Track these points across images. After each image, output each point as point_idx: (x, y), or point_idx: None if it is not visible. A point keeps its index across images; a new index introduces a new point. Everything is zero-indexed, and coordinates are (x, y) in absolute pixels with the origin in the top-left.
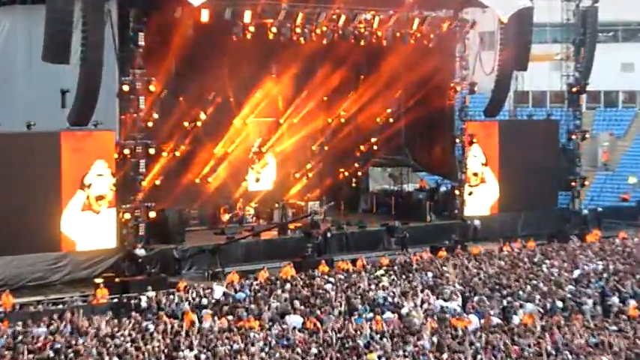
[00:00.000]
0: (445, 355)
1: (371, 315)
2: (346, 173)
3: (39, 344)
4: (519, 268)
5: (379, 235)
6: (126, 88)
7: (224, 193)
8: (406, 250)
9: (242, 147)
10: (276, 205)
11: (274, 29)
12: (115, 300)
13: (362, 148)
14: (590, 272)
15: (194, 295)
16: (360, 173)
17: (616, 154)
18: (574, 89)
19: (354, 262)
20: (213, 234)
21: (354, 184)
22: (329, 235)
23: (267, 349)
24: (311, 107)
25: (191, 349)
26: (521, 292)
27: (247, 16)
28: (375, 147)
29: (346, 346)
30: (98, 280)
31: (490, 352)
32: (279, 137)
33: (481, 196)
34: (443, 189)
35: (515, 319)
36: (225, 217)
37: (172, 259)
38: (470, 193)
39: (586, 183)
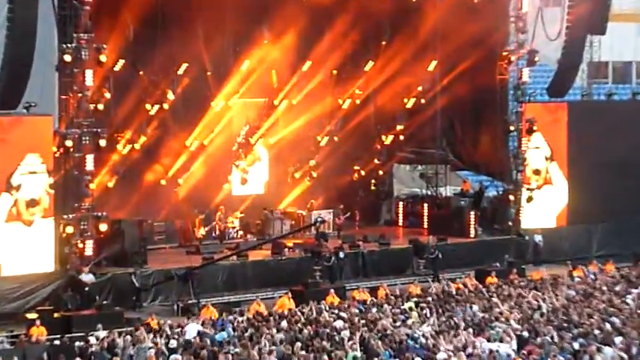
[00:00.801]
0: None
1: None
2: (363, 172)
3: None
4: (595, 300)
5: (407, 256)
6: (67, 58)
7: (199, 199)
8: (436, 277)
9: (223, 137)
10: (269, 214)
11: None
12: (55, 342)
13: (384, 138)
14: None
15: (160, 335)
16: (381, 172)
17: None
18: None
19: (373, 291)
20: (184, 253)
21: (373, 187)
22: (341, 255)
23: None
24: (316, 84)
25: None
26: (597, 332)
27: None
28: (401, 137)
29: None
30: (31, 316)
31: None
32: (272, 124)
33: (544, 203)
34: (492, 193)
35: None
36: (201, 231)
37: (131, 288)
38: (529, 199)
39: None
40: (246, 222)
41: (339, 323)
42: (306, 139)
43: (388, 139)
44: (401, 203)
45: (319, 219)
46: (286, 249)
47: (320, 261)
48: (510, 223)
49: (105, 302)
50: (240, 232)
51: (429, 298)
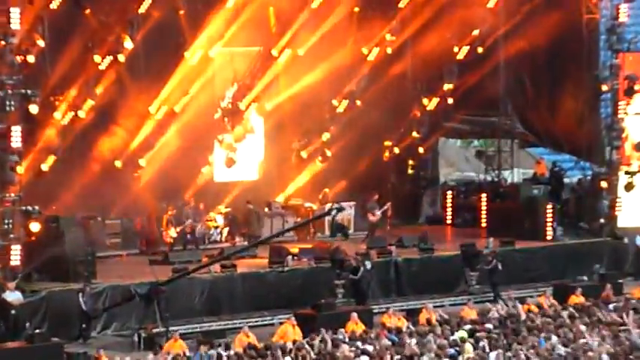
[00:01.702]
0: None
1: None
2: (396, 150)
3: None
4: None
5: (457, 266)
6: None
7: (169, 187)
8: (496, 295)
9: (202, 101)
10: (265, 210)
11: None
12: None
13: (425, 102)
14: None
15: None
16: (421, 150)
17: None
18: None
19: (411, 315)
20: (148, 263)
21: (410, 171)
22: (367, 265)
23: None
24: (330, 26)
25: None
26: None
27: None
28: (449, 100)
29: None
30: None
31: None
32: (270, 83)
33: None
34: (577, 178)
35: None
36: (172, 232)
37: (74, 311)
38: (629, 186)
39: None
40: (233, 219)
41: None
42: (316, 104)
43: (432, 104)
44: (449, 193)
45: (335, 207)
46: (289, 257)
47: (342, 273)
48: (602, 221)
49: (38, 331)
50: (226, 234)
51: (489, 326)
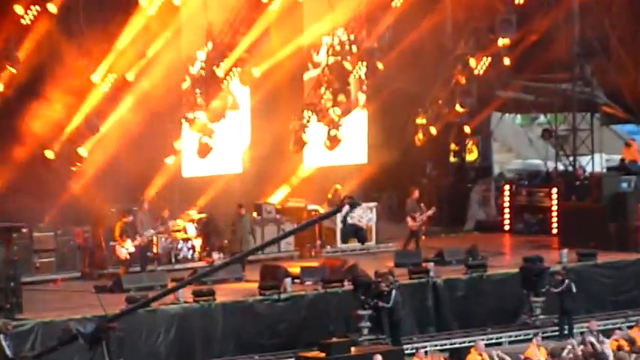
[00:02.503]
0: None
1: None
2: (433, 130)
3: None
4: None
5: (519, 289)
6: None
7: (120, 185)
8: (569, 329)
9: (164, 66)
10: (255, 214)
11: None
12: None
13: (471, 63)
14: None
15: None
16: (467, 129)
17: None
18: None
19: (456, 356)
20: (94, 291)
21: (453, 158)
22: (393, 287)
23: None
24: None
25: None
26: None
27: None
28: (505, 60)
29: None
30: None
31: None
32: (259, 39)
33: None
34: None
35: None
36: (128, 245)
37: None
38: None
39: None
40: (210, 229)
41: None
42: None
43: (481, 66)
44: (507, 188)
45: (348, 201)
46: (288, 279)
47: (369, 300)
48: None
49: None
50: (199, 249)
51: None
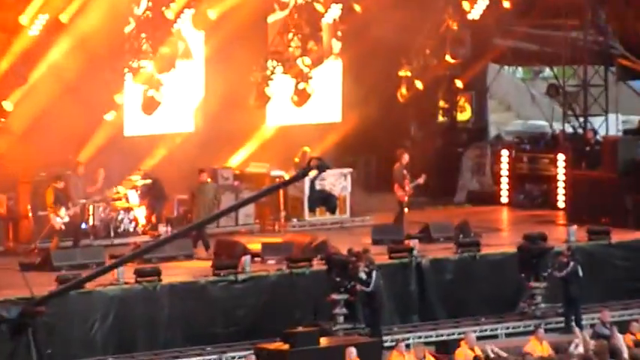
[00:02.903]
0: None
1: None
2: (418, 83)
3: None
4: None
5: (514, 274)
6: None
7: (51, 145)
8: (576, 319)
9: (104, 6)
10: (208, 180)
11: None
12: None
13: (465, 5)
14: None
15: None
16: (459, 84)
17: None
18: None
19: (443, 350)
20: (18, 269)
21: (441, 117)
22: (373, 268)
23: None
24: None
25: None
26: None
27: None
28: (503, 3)
29: None
30: None
31: None
32: None
33: None
34: None
35: None
36: (62, 213)
37: None
38: None
39: None
40: (156, 194)
41: None
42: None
43: (475, 9)
44: (505, 154)
45: (315, 163)
46: (247, 257)
47: (345, 282)
48: None
49: None
50: (143, 220)
51: None
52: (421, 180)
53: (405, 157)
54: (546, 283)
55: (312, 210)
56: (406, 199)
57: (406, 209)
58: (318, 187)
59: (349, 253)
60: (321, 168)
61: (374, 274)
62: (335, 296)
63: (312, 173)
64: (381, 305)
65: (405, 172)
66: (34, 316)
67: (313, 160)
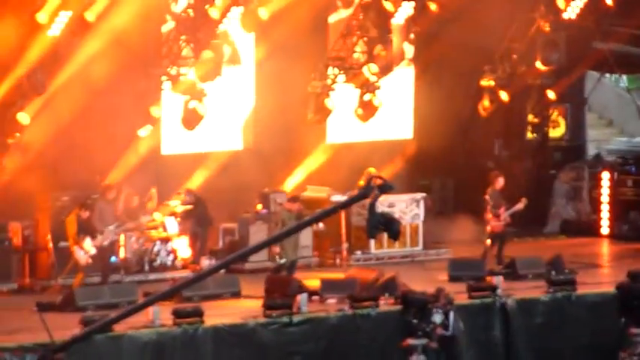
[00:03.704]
0: None
1: None
2: (503, 95)
3: None
4: None
5: (613, 320)
6: None
7: (74, 164)
8: None
9: (137, 7)
10: (259, 207)
11: None
12: None
13: (559, 3)
14: None
15: None
16: (552, 95)
17: None
18: None
19: None
20: (35, 308)
21: (531, 134)
22: (451, 308)
23: None
24: None
25: None
26: None
27: None
28: None
29: None
30: None
31: None
32: None
33: None
34: None
35: None
36: (87, 245)
37: None
38: None
39: None
40: (197, 223)
41: None
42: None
43: (572, 6)
44: (606, 176)
45: (378, 183)
46: (303, 295)
47: (424, 324)
48: None
49: None
50: (183, 251)
51: None
52: (521, 205)
53: (500, 181)
54: None
55: (372, 236)
56: (500, 229)
57: (488, 242)
58: (380, 208)
59: (435, 292)
60: (384, 189)
61: (451, 315)
62: (411, 341)
63: (373, 194)
64: (460, 352)
65: (501, 197)
66: None
67: (375, 179)
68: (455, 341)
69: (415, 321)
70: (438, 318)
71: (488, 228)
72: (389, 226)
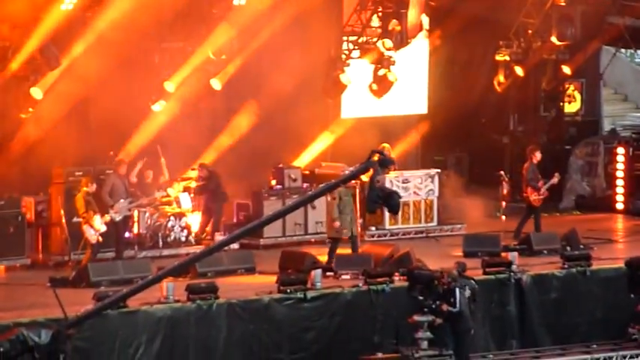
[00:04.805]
0: None
1: None
2: (518, 70)
3: None
4: None
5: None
6: None
7: (90, 138)
8: None
9: None
10: (273, 182)
11: None
12: None
13: None
14: None
15: None
16: (567, 70)
17: None
18: None
19: None
20: (48, 283)
21: (545, 110)
22: (456, 285)
23: None
24: None
25: None
26: None
27: None
28: None
29: None
30: None
31: None
32: None
33: None
34: None
35: None
36: (97, 222)
37: None
38: None
39: None
40: (213, 191)
41: None
42: None
43: None
44: (621, 152)
45: (378, 158)
46: (317, 271)
47: (431, 301)
48: None
49: None
50: (197, 226)
51: None
52: (555, 179)
53: (537, 155)
54: None
55: (370, 211)
56: (538, 202)
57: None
58: (380, 180)
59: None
60: (384, 163)
61: (457, 291)
62: (417, 317)
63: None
64: (469, 329)
65: (537, 171)
66: (67, 340)
67: (374, 154)
68: (462, 317)
69: (421, 297)
70: (455, 293)
71: (530, 200)
72: (388, 200)
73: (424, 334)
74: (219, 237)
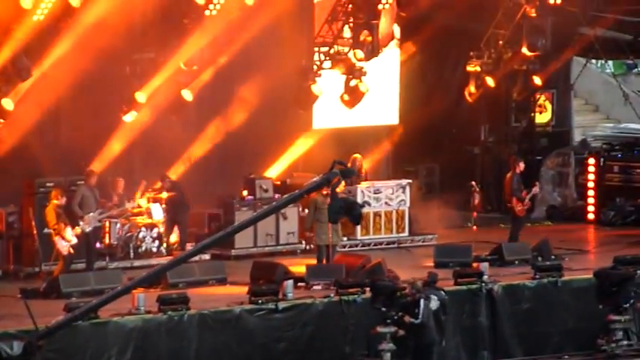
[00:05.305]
0: None
1: None
2: (489, 80)
3: None
4: None
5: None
6: None
7: (61, 149)
8: None
9: None
10: (244, 192)
11: None
12: None
13: None
14: None
15: None
16: (537, 80)
17: None
18: None
19: None
20: (19, 295)
21: (516, 121)
22: (420, 296)
23: None
24: None
25: None
26: None
27: None
28: None
29: None
30: None
31: None
32: None
33: None
34: None
35: None
36: (68, 234)
37: None
38: None
39: None
40: (177, 204)
41: None
42: None
43: None
44: (592, 162)
45: (339, 168)
46: (289, 282)
47: (393, 313)
48: None
49: None
50: (171, 238)
51: None
52: (536, 189)
53: (521, 165)
54: (629, 316)
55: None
56: (522, 212)
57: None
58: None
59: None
60: (346, 174)
61: (421, 302)
62: (380, 329)
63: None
64: (432, 342)
65: (521, 182)
66: (38, 351)
67: (336, 164)
68: (424, 329)
69: (384, 309)
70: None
71: (516, 210)
72: (350, 210)
73: (387, 345)
74: (189, 247)
